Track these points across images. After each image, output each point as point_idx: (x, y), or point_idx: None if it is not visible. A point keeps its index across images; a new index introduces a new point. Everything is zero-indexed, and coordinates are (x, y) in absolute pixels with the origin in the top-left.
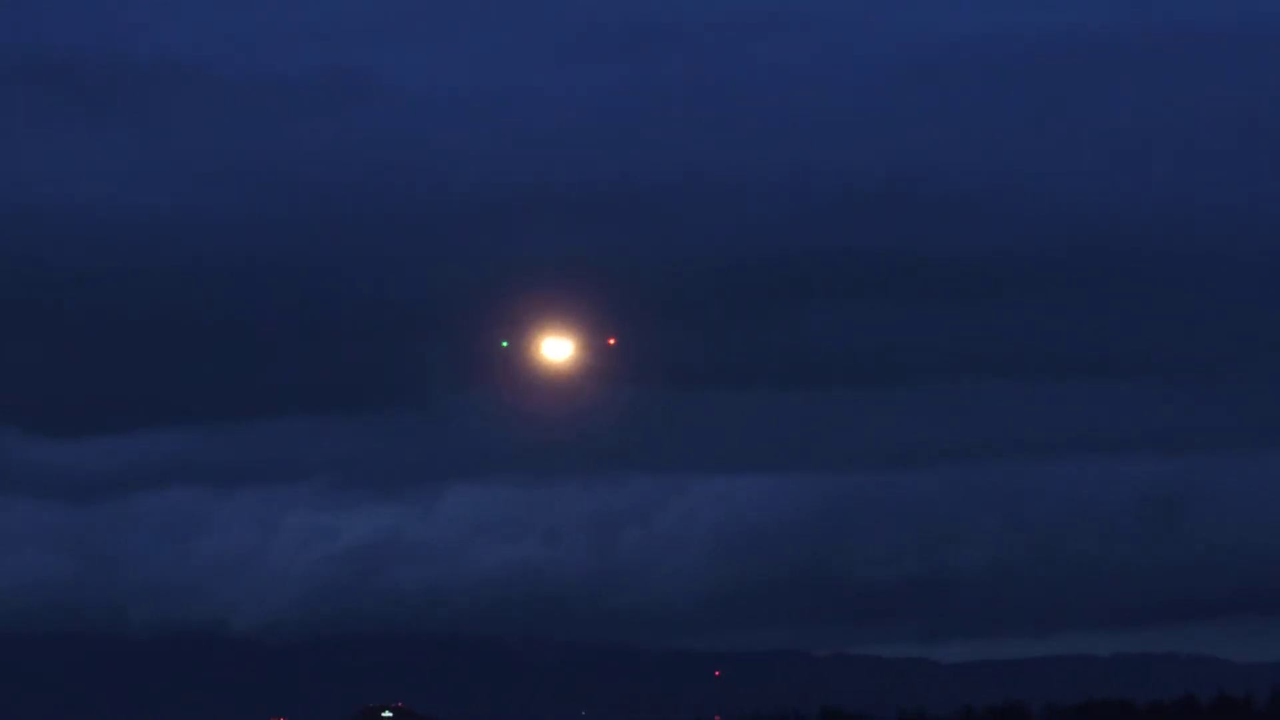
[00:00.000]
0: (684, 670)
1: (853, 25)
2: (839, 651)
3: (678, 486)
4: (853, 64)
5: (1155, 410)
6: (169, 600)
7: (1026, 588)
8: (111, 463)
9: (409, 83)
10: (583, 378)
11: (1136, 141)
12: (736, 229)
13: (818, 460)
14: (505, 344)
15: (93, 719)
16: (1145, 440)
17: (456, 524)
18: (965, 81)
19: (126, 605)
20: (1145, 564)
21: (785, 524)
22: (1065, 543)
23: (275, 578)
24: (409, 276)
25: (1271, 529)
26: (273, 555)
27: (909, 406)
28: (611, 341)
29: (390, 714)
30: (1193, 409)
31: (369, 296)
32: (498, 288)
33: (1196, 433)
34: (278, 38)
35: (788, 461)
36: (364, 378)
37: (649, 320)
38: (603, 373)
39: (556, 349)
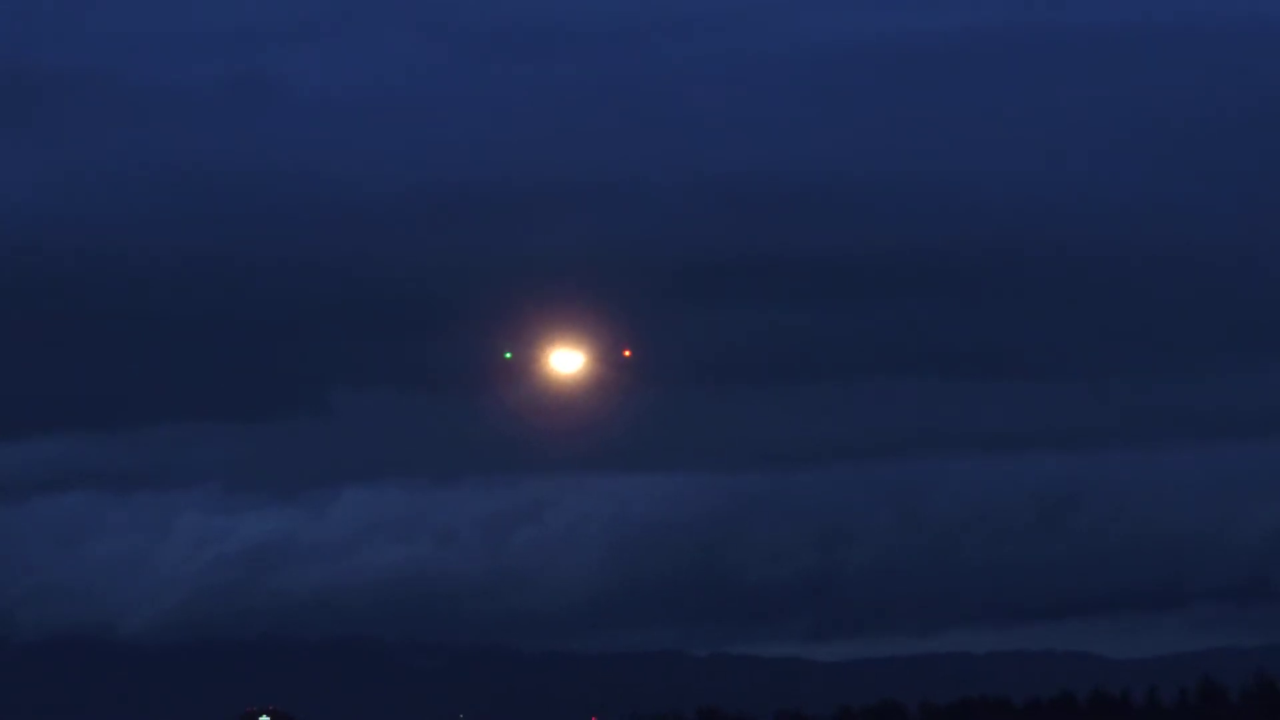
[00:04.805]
0: (563, 672)
1: (755, 27)
2: (718, 651)
3: (571, 487)
4: (753, 65)
5: (1049, 408)
6: (58, 604)
7: (915, 586)
8: (6, 467)
9: (312, 86)
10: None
11: (1032, 141)
12: (630, 230)
13: (711, 459)
14: (509, 355)
15: None
16: (1039, 438)
17: (349, 526)
18: (862, 82)
19: (14, 609)
20: (1033, 561)
21: (678, 523)
22: (957, 541)
23: (164, 581)
24: (309, 279)
25: (1159, 526)
26: (164, 559)
27: (802, 405)
28: (627, 353)
29: (267, 718)
30: (1086, 407)
31: (266, 300)
32: (402, 290)
33: (1090, 431)
34: (181, 43)
35: (682, 460)
36: (261, 382)
37: (544, 321)
38: (614, 384)
39: (567, 360)
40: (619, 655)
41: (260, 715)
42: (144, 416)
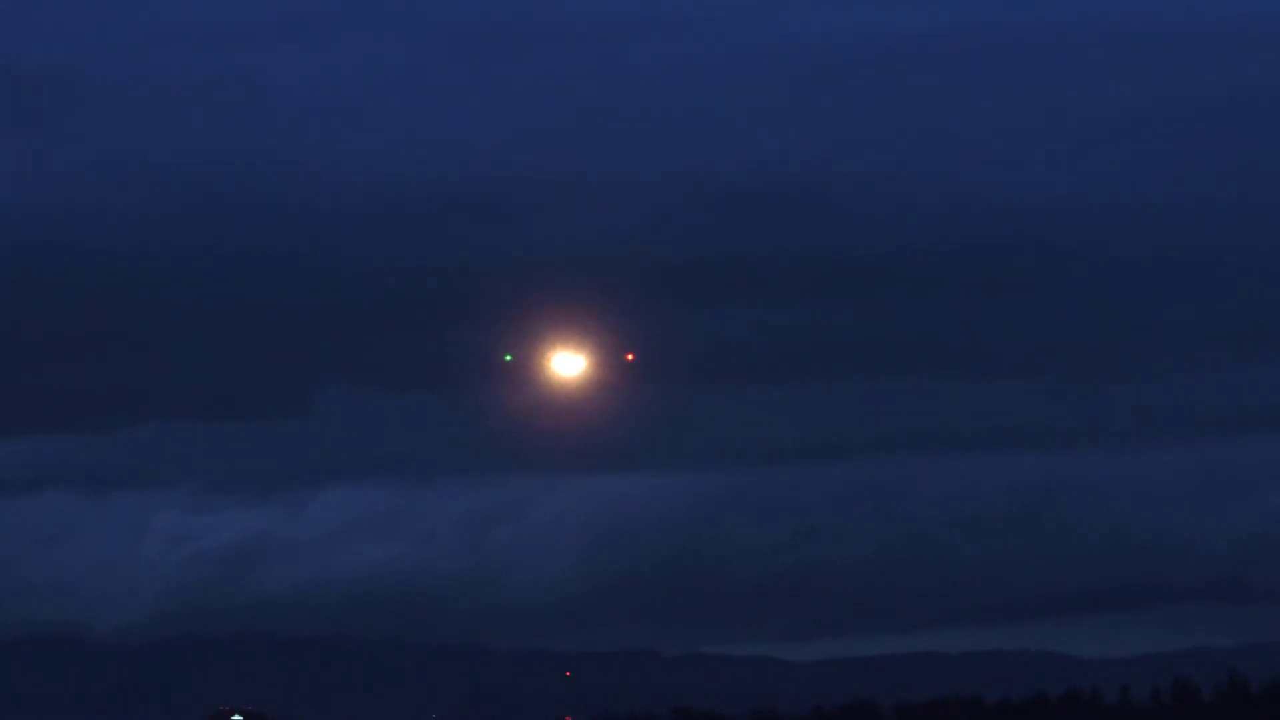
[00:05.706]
0: (537, 671)
1: (731, 24)
2: (691, 651)
3: (549, 487)
4: (729, 63)
5: (1026, 408)
6: (35, 604)
7: (890, 586)
8: None
9: (297, 83)
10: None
11: (1013, 139)
12: (608, 228)
13: (688, 458)
14: (509, 357)
15: None
16: (1016, 438)
17: (327, 526)
18: (854, 79)
19: None
20: (1008, 561)
21: (658, 522)
22: (934, 540)
23: (141, 580)
24: (287, 278)
25: (1134, 526)
26: (142, 559)
27: (779, 404)
28: (630, 357)
29: (240, 718)
30: (1062, 407)
31: (245, 299)
32: (384, 289)
33: (1066, 431)
34: (165, 41)
35: (659, 460)
36: (242, 380)
37: (534, 319)
38: (612, 386)
39: (569, 363)
40: (591, 654)
41: (233, 715)
42: (123, 416)
